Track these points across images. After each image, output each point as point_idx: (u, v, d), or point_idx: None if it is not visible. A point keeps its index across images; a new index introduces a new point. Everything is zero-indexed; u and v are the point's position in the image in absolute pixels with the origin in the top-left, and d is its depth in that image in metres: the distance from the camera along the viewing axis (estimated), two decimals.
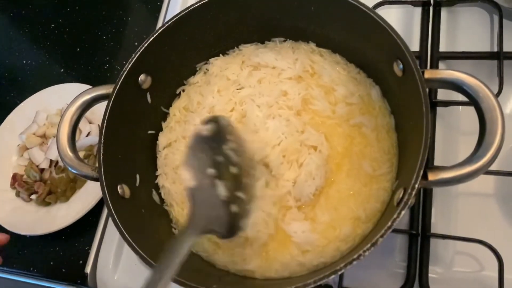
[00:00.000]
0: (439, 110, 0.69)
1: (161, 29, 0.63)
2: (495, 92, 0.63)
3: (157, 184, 0.68)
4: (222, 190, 0.51)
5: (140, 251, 0.52)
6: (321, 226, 0.58)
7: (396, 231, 0.64)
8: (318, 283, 0.45)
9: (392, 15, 0.78)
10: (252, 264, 0.59)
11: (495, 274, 0.58)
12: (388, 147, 0.60)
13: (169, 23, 0.64)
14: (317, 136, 0.61)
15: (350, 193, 0.59)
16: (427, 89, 0.65)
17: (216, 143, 0.53)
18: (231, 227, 0.50)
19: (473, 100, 0.48)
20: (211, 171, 0.51)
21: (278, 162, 0.60)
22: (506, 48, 0.67)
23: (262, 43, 0.72)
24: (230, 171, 0.53)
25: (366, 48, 0.62)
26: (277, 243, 0.60)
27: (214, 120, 0.55)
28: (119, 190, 0.59)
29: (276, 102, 0.64)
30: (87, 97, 0.63)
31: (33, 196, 0.86)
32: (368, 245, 0.45)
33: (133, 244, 0.53)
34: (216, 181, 0.51)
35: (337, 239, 0.57)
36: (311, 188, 0.59)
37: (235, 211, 0.51)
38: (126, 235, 0.53)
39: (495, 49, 0.70)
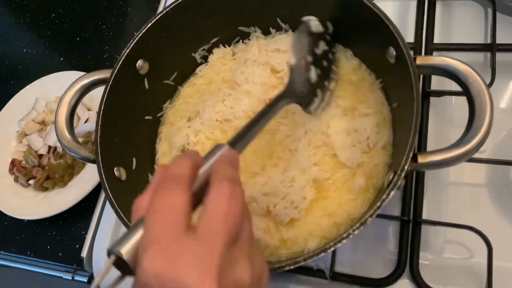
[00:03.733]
0: (433, 100, 0.70)
1: (159, 16, 0.65)
2: (488, 83, 0.64)
3: (153, 167, 0.69)
4: (313, 75, 0.59)
5: None
6: (282, 237, 0.58)
7: (388, 217, 0.65)
8: (308, 261, 0.46)
9: (388, 8, 0.79)
10: None
11: (485, 261, 0.58)
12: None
13: (167, 9, 0.65)
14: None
15: (326, 214, 0.58)
16: (421, 76, 0.67)
17: (317, 40, 0.62)
18: (310, 104, 0.60)
19: (463, 86, 0.49)
20: (309, 57, 0.60)
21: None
22: (499, 40, 0.69)
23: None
24: (322, 64, 0.62)
25: (360, 36, 0.63)
26: None
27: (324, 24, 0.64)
28: (115, 172, 0.60)
29: None
30: (85, 81, 0.64)
31: (31, 181, 0.86)
32: (358, 224, 0.45)
33: (129, 224, 0.54)
34: (311, 66, 0.60)
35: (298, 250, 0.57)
36: (287, 217, 0.58)
37: (318, 94, 0.60)
38: (122, 215, 0.54)
39: (488, 41, 0.71)
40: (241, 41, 0.74)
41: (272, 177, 0.59)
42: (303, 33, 0.60)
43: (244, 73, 0.67)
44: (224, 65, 0.72)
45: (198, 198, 0.38)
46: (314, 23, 0.61)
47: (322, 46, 0.62)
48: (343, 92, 0.64)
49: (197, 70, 0.74)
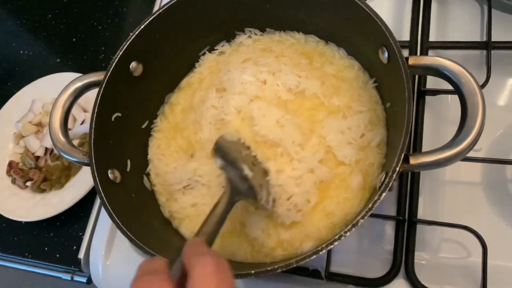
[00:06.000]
0: (428, 98, 0.69)
1: (152, 17, 0.64)
2: (483, 81, 0.64)
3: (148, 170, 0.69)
4: (248, 171, 0.55)
5: (129, 234, 0.54)
6: (279, 237, 0.59)
7: (383, 217, 0.65)
8: (300, 263, 0.46)
9: (384, 6, 0.79)
10: None
11: (480, 260, 0.58)
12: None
13: (160, 11, 0.64)
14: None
15: (325, 214, 0.58)
16: (415, 76, 0.67)
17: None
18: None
19: (455, 86, 0.49)
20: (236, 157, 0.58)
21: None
22: (494, 38, 0.68)
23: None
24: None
25: (353, 37, 0.62)
26: (231, 231, 0.61)
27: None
28: (109, 175, 0.60)
29: None
30: (79, 84, 0.64)
31: (29, 183, 0.87)
32: (349, 226, 0.45)
33: (122, 226, 0.54)
34: (243, 165, 0.56)
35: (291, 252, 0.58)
36: (289, 219, 0.58)
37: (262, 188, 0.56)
38: (115, 217, 0.54)
39: (484, 39, 0.70)
40: (232, 40, 0.73)
41: (283, 171, 0.59)
42: (221, 145, 0.59)
43: (230, 78, 0.66)
44: (212, 72, 0.72)
45: None
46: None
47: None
48: (337, 90, 0.63)
49: (187, 76, 0.74)
